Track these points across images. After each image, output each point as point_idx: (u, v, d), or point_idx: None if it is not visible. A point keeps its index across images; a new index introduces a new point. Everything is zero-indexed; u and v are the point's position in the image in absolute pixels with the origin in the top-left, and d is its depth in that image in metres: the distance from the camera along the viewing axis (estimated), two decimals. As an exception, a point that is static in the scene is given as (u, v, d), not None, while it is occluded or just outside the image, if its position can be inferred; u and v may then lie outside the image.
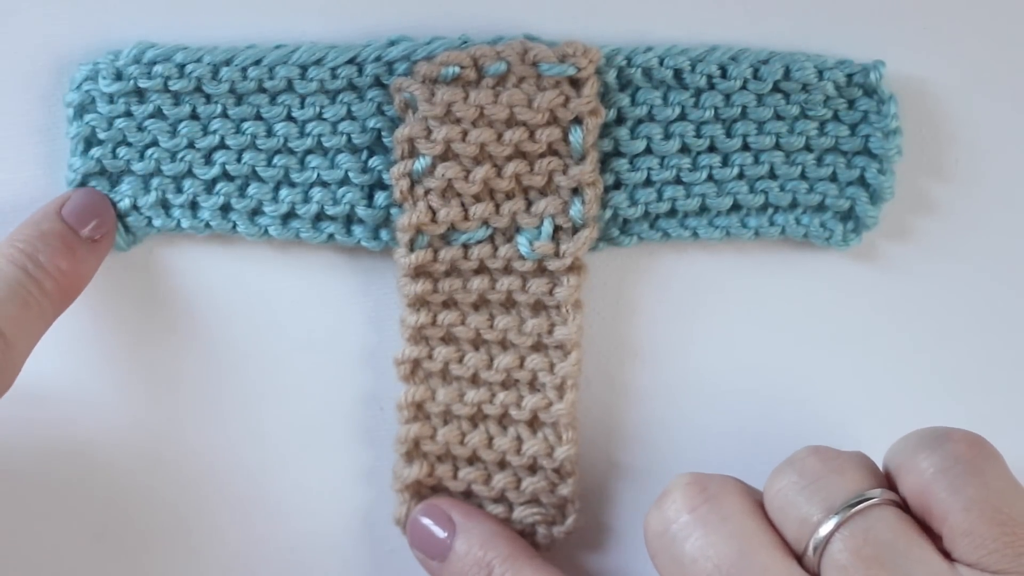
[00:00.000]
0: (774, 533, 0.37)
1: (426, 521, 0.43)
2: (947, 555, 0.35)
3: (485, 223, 0.43)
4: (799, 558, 0.36)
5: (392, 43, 0.42)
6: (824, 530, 0.36)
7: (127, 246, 0.43)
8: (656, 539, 0.38)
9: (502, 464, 0.44)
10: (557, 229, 0.43)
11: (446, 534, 0.42)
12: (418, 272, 0.43)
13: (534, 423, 0.43)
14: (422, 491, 0.44)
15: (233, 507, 0.45)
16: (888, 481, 0.37)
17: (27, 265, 0.41)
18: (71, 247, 0.42)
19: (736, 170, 0.43)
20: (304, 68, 0.42)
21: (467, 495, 0.44)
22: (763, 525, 0.37)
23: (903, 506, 0.36)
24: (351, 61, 0.42)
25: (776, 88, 0.43)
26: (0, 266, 0.41)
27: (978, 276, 0.45)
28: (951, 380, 0.45)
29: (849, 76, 0.43)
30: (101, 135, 0.43)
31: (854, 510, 0.36)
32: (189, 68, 0.42)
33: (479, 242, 0.43)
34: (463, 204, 0.42)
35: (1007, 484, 0.36)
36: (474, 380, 0.43)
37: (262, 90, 0.42)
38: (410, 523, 0.43)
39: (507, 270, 0.43)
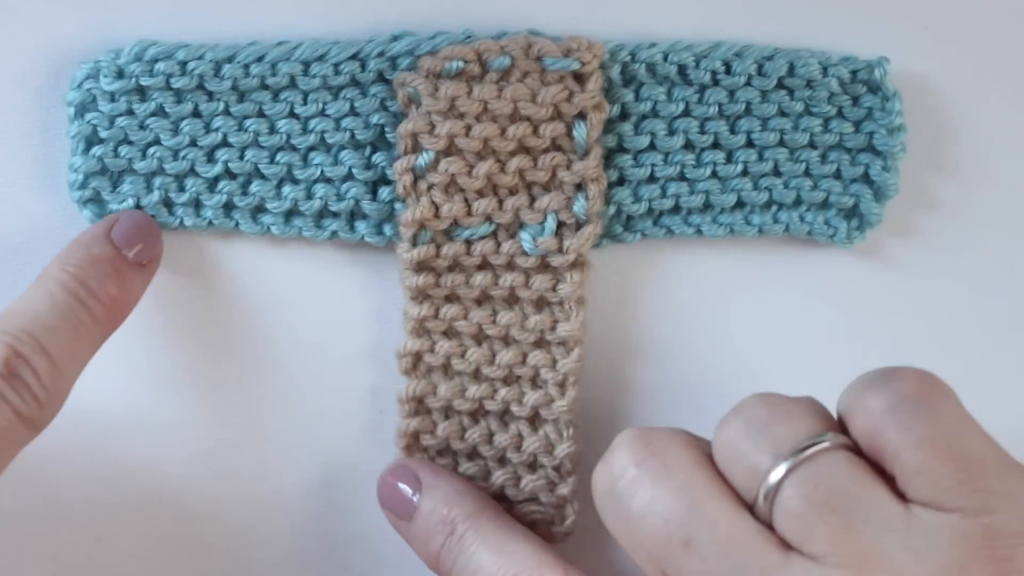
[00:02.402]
0: (724, 484, 0.35)
1: (394, 481, 0.42)
2: (902, 497, 0.34)
3: (488, 218, 0.42)
4: (750, 508, 0.35)
5: (395, 38, 0.42)
6: (774, 477, 0.34)
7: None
8: (603, 497, 0.37)
9: (502, 460, 0.43)
10: (560, 225, 0.42)
11: (414, 493, 0.42)
12: (420, 267, 0.43)
13: (535, 420, 0.43)
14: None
15: (234, 506, 0.45)
16: (841, 426, 0.36)
17: (78, 291, 0.40)
18: (120, 272, 0.41)
19: (740, 167, 0.43)
20: (307, 64, 0.42)
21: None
22: (711, 476, 0.36)
23: (856, 450, 0.35)
24: (354, 57, 0.42)
25: (780, 84, 0.43)
26: (52, 291, 0.40)
27: (983, 273, 0.45)
28: (954, 377, 0.44)
29: (853, 72, 0.43)
30: (102, 134, 0.42)
31: (803, 455, 0.34)
32: (191, 65, 0.42)
33: (482, 237, 0.42)
34: (466, 199, 0.42)
35: (959, 420, 0.34)
36: (476, 375, 0.43)
37: (264, 87, 0.42)
38: (379, 482, 0.43)
39: (510, 266, 0.43)
